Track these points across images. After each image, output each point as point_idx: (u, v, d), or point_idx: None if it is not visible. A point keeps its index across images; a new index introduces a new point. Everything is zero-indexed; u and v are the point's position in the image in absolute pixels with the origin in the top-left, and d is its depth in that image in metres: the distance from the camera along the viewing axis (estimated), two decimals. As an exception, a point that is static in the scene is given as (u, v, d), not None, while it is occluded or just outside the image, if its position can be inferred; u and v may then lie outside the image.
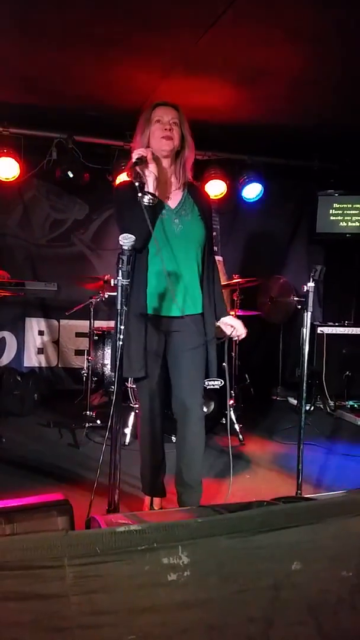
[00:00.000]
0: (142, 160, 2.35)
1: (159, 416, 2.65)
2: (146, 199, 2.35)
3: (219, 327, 2.65)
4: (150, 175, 2.38)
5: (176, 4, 3.01)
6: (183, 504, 2.56)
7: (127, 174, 2.48)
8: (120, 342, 2.16)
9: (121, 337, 2.15)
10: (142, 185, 2.38)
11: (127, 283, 2.14)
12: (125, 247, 2.12)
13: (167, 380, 2.62)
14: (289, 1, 2.96)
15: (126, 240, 2.12)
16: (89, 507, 2.21)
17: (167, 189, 2.53)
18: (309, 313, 2.68)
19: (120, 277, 2.13)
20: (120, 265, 2.13)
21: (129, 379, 3.95)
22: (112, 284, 2.11)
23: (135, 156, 2.37)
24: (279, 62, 3.68)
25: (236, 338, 2.62)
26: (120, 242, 2.12)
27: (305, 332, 2.71)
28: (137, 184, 2.32)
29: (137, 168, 2.36)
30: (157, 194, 2.40)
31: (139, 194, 2.33)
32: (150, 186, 2.39)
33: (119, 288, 2.13)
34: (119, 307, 2.14)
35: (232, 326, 2.59)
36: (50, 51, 3.61)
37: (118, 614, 1.20)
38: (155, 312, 2.49)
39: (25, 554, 1.20)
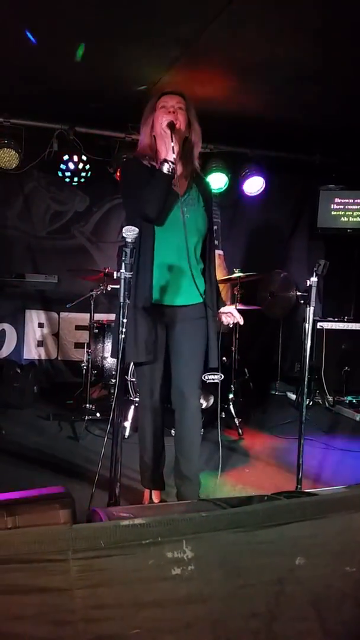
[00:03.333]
0: (171, 125, 2.31)
1: (159, 408, 2.63)
2: (165, 167, 2.30)
3: (219, 319, 2.65)
4: (174, 144, 2.31)
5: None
6: (182, 496, 2.55)
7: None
8: (123, 335, 2.14)
9: (123, 330, 2.14)
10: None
11: (130, 276, 2.11)
12: (129, 240, 2.09)
13: (168, 372, 2.61)
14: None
15: (130, 232, 2.08)
16: (90, 500, 2.21)
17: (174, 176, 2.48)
18: (312, 308, 2.66)
19: (123, 270, 2.10)
20: (123, 258, 2.10)
21: (129, 372, 3.95)
22: (115, 277, 2.09)
23: (165, 120, 2.33)
24: (282, 55, 3.65)
25: (231, 324, 2.66)
26: (124, 235, 2.09)
27: (308, 327, 2.69)
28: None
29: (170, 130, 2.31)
30: (176, 164, 2.34)
31: (159, 162, 2.29)
32: (170, 155, 2.32)
33: (122, 281, 2.10)
34: (121, 299, 2.11)
35: (229, 314, 2.61)
36: (52, 41, 3.57)
37: (122, 607, 1.20)
38: (159, 301, 2.48)
39: (29, 547, 1.19)
